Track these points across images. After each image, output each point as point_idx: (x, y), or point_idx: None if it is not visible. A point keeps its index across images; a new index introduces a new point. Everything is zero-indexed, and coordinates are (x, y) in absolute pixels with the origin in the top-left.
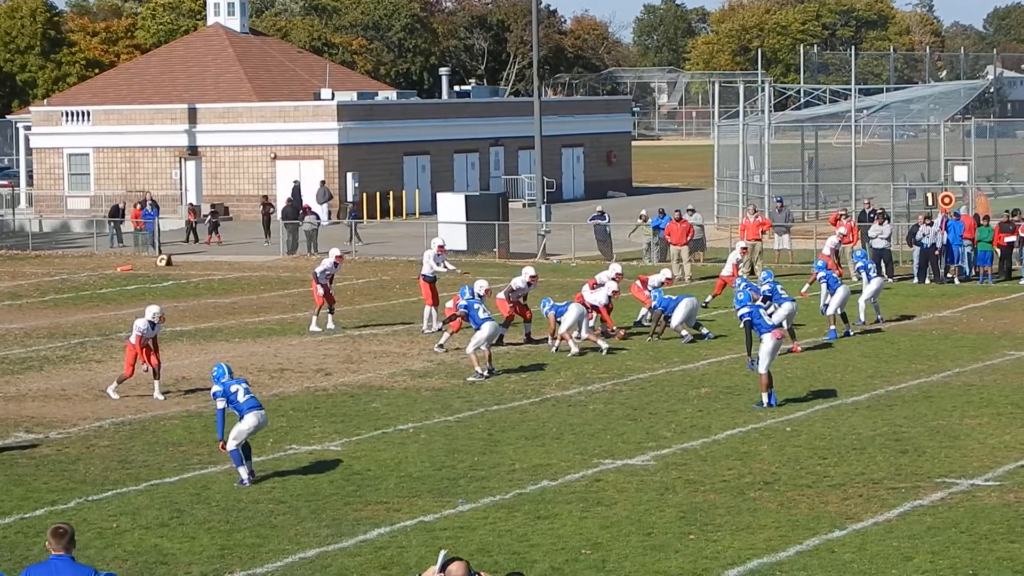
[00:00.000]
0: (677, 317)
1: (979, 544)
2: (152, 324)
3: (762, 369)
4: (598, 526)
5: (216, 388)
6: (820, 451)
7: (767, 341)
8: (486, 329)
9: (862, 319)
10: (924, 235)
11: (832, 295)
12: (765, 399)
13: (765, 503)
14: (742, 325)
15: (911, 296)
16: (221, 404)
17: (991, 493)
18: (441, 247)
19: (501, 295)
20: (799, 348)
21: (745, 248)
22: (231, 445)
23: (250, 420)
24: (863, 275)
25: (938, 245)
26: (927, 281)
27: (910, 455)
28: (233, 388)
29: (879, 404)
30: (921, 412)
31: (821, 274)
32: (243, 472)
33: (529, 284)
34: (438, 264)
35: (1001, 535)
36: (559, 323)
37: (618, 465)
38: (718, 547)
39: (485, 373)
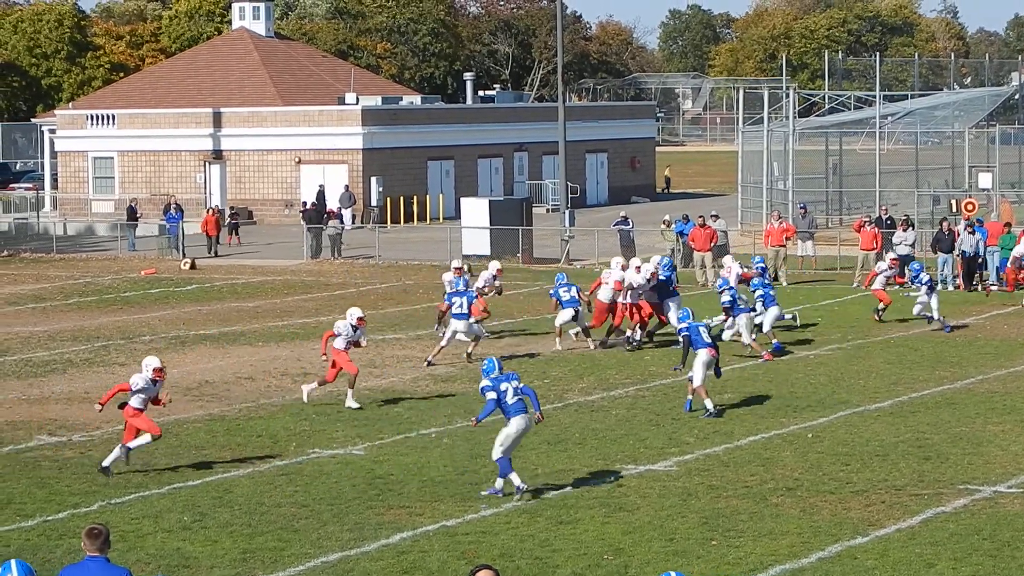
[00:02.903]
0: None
1: (1002, 551)
2: (153, 382)
3: (697, 382)
4: (620, 531)
5: (485, 382)
6: (843, 457)
7: (702, 355)
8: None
9: (936, 316)
10: (963, 242)
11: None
12: (710, 405)
13: (787, 509)
14: (680, 339)
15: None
16: (492, 396)
17: (1014, 500)
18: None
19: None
20: (769, 356)
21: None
22: (497, 452)
23: (516, 424)
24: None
25: (981, 253)
26: (979, 288)
27: (933, 461)
28: (503, 387)
29: (902, 410)
30: (944, 419)
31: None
32: (516, 480)
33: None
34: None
35: None
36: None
37: (641, 470)
38: (740, 553)
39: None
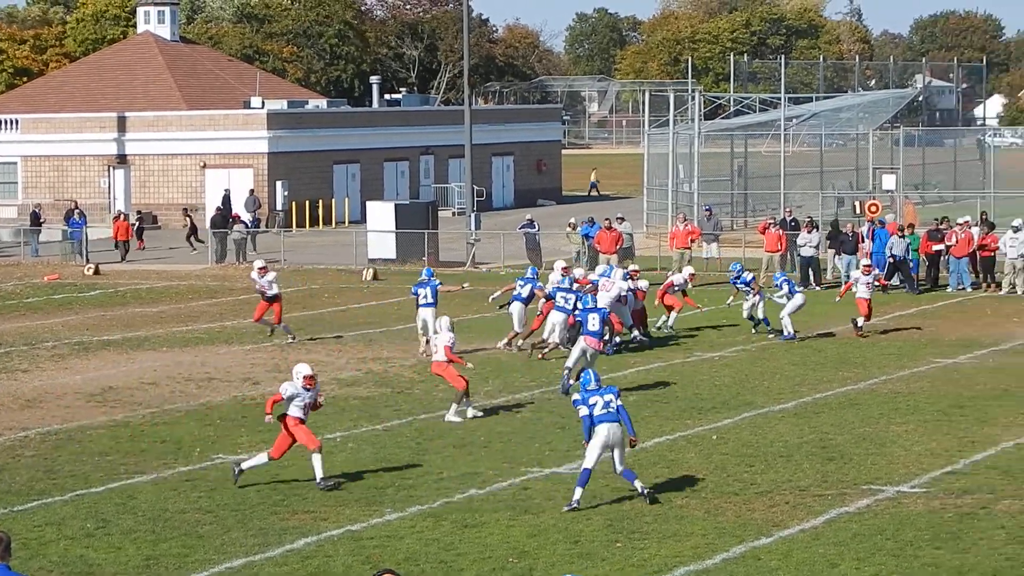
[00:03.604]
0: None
1: (904, 551)
2: (306, 389)
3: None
4: (526, 534)
5: (576, 396)
6: (747, 458)
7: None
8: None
9: (791, 331)
10: (894, 246)
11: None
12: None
13: (692, 510)
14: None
15: (839, 304)
16: (583, 412)
17: (917, 500)
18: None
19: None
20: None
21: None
22: (589, 461)
23: (601, 433)
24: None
25: (911, 256)
26: (905, 289)
27: (836, 462)
28: (592, 400)
29: (806, 411)
30: (848, 419)
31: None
32: (577, 494)
33: (686, 281)
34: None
35: (926, 542)
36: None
37: (546, 473)
38: (645, 555)
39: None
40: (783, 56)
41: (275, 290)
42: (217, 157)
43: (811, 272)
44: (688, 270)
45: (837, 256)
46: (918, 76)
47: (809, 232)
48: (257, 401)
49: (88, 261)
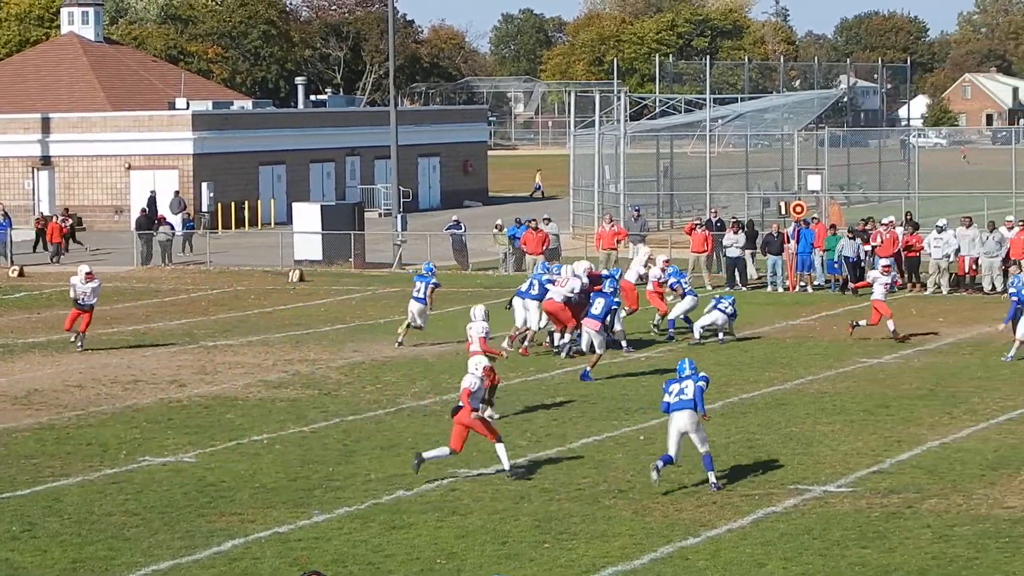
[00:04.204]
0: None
1: (831, 550)
2: (481, 379)
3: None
4: (453, 536)
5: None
6: None
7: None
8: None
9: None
10: (844, 248)
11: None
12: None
13: (619, 511)
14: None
15: (765, 304)
16: (666, 398)
17: (843, 499)
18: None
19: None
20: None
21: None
22: (671, 449)
23: (673, 422)
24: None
25: (863, 258)
26: (857, 292)
27: (763, 462)
28: (672, 387)
29: (733, 412)
30: (774, 419)
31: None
32: (711, 478)
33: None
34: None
35: (853, 541)
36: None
37: (473, 474)
38: (573, 555)
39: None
40: (708, 57)
41: (92, 300)
42: (142, 158)
43: (737, 272)
44: (662, 258)
45: (752, 256)
46: (842, 77)
47: (735, 233)
48: (183, 403)
49: (12, 263)
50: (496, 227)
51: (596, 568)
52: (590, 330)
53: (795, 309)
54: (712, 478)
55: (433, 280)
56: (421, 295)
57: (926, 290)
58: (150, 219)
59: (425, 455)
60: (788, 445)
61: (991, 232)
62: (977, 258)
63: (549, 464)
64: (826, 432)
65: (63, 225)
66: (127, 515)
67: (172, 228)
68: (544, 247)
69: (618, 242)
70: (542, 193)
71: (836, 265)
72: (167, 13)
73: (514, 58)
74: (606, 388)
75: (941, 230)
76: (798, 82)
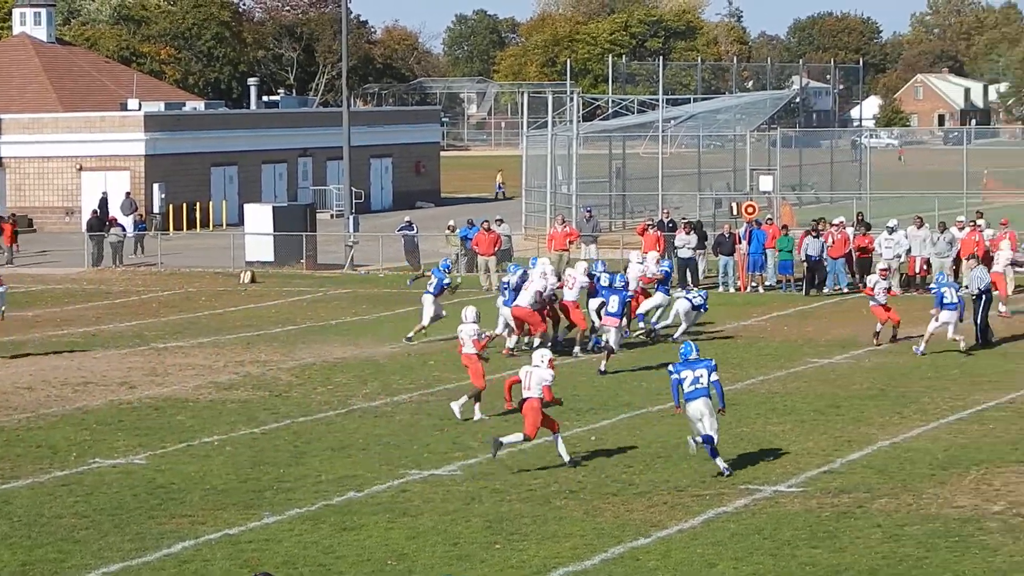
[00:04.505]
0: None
1: (782, 550)
2: None
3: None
4: (404, 537)
5: (671, 366)
6: (625, 459)
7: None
8: None
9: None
10: (808, 247)
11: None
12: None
13: (571, 511)
14: None
15: (716, 305)
16: (674, 378)
17: (794, 499)
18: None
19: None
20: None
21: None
22: (691, 441)
23: (690, 411)
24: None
25: (824, 258)
26: (823, 291)
27: (714, 462)
28: (683, 374)
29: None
30: (725, 419)
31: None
32: (720, 464)
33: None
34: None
35: (803, 541)
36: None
37: (424, 475)
38: (524, 556)
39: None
40: (661, 58)
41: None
42: (94, 160)
43: (688, 273)
44: (653, 255)
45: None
46: (795, 78)
47: (687, 233)
48: (133, 405)
49: None
50: (448, 228)
51: (547, 569)
52: (610, 328)
53: (746, 310)
54: (720, 463)
55: (445, 278)
56: (431, 290)
57: None
58: (101, 220)
59: (504, 439)
60: (739, 445)
61: (942, 232)
62: (928, 258)
63: (500, 465)
64: (777, 432)
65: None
66: (77, 517)
67: (123, 229)
68: (496, 248)
69: (570, 243)
70: (504, 194)
71: (803, 262)
72: (120, 14)
73: (467, 59)
74: (557, 389)
75: (892, 231)
76: (751, 83)
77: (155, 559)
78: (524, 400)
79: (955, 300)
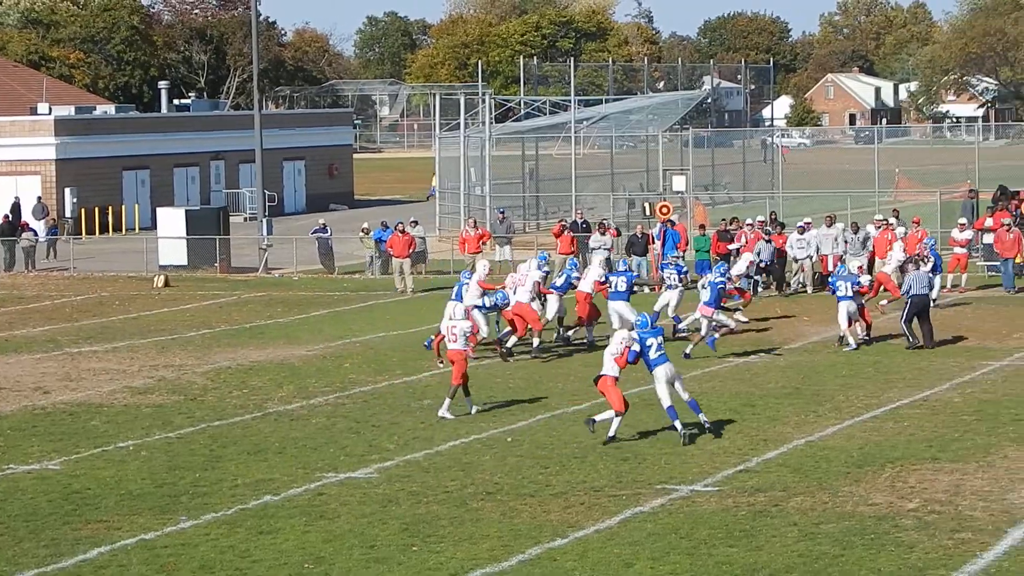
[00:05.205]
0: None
1: (698, 549)
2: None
3: None
4: (321, 540)
5: (634, 334)
6: (542, 460)
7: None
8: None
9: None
10: (761, 250)
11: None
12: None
13: (488, 513)
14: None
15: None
16: (636, 347)
17: (710, 498)
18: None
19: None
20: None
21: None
22: (664, 402)
23: (659, 376)
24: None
25: (776, 260)
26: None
27: (631, 462)
28: (649, 341)
29: (600, 412)
30: (642, 419)
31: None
32: (702, 418)
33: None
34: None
35: (720, 540)
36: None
37: (341, 478)
38: (441, 558)
39: None
40: (573, 59)
41: None
42: (4, 164)
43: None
44: (747, 256)
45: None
46: (706, 78)
47: (602, 234)
48: (47, 410)
49: None
50: (362, 230)
51: (464, 570)
52: (622, 313)
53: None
54: (703, 418)
55: (464, 283)
56: (452, 297)
57: (789, 289)
58: (13, 225)
59: (597, 417)
60: (655, 445)
61: (855, 232)
62: (843, 256)
63: (417, 467)
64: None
65: None
66: None
67: (35, 234)
68: (410, 250)
69: (483, 243)
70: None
71: (760, 265)
72: (28, 18)
73: (379, 61)
74: (472, 389)
75: (802, 231)
76: (662, 83)
77: (71, 565)
78: (599, 377)
79: (849, 293)
